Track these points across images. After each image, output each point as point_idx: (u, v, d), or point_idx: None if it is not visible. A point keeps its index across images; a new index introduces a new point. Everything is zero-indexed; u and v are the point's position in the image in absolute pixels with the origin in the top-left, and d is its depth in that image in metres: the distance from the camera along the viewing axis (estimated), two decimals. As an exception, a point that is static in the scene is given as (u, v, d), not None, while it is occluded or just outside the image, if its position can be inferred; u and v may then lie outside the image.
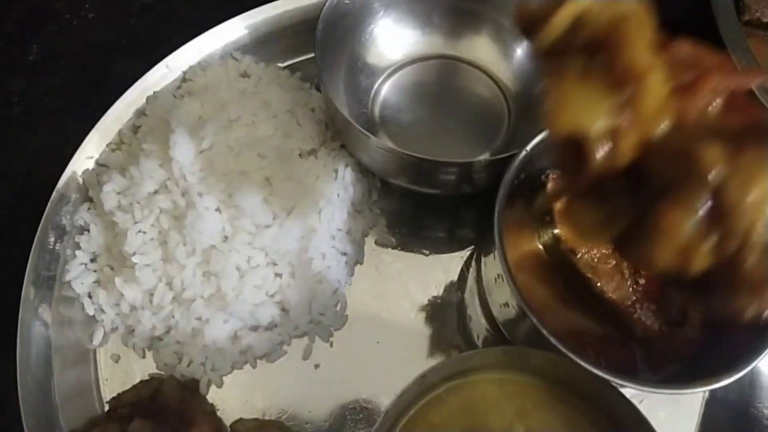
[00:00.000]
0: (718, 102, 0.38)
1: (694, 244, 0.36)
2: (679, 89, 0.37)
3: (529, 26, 0.39)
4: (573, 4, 0.37)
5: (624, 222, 0.39)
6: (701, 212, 0.35)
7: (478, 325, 0.74)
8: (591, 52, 0.37)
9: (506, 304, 0.71)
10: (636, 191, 0.38)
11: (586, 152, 0.36)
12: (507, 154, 0.67)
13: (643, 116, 0.36)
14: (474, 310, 0.74)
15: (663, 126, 0.37)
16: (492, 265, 0.72)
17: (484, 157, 0.79)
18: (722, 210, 0.35)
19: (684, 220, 0.36)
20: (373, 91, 0.86)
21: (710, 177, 0.35)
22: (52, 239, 0.73)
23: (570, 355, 0.58)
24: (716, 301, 0.40)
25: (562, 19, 0.38)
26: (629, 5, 0.38)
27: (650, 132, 0.37)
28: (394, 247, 0.78)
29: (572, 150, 0.37)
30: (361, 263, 0.76)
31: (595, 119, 0.36)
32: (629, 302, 0.68)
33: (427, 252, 0.77)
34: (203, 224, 0.67)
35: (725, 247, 0.36)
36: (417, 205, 0.80)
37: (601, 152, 0.36)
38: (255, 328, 0.70)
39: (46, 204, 0.74)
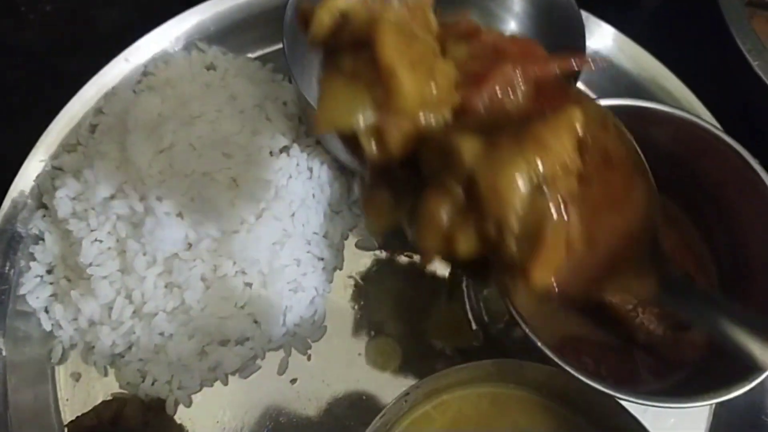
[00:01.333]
0: (517, 90, 0.38)
1: (455, 229, 0.37)
2: (469, 79, 0.38)
3: (304, 22, 0.40)
4: (334, 2, 0.38)
5: (407, 208, 0.40)
6: (457, 199, 0.37)
7: (469, 333, 0.68)
8: (357, 50, 0.37)
9: (498, 312, 0.66)
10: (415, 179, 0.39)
11: (361, 146, 0.38)
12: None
13: (397, 113, 0.37)
14: (464, 317, 0.69)
15: (431, 119, 0.37)
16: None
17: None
18: (476, 196, 0.36)
19: (441, 206, 0.37)
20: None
21: (465, 166, 0.36)
22: (4, 249, 0.67)
23: (567, 368, 0.53)
24: (491, 282, 0.42)
25: (323, 15, 0.39)
26: (387, 7, 0.39)
27: (415, 125, 0.37)
28: (376, 250, 0.72)
29: (353, 143, 0.38)
30: (340, 269, 0.71)
31: (353, 117, 0.37)
32: (630, 306, 0.62)
33: (412, 256, 0.72)
34: (163, 231, 0.61)
35: (485, 231, 0.37)
36: (400, 203, 0.75)
37: (370, 146, 0.38)
38: (224, 343, 0.64)
39: (-1, 211, 0.68)
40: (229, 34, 0.80)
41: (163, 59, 0.76)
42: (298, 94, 0.71)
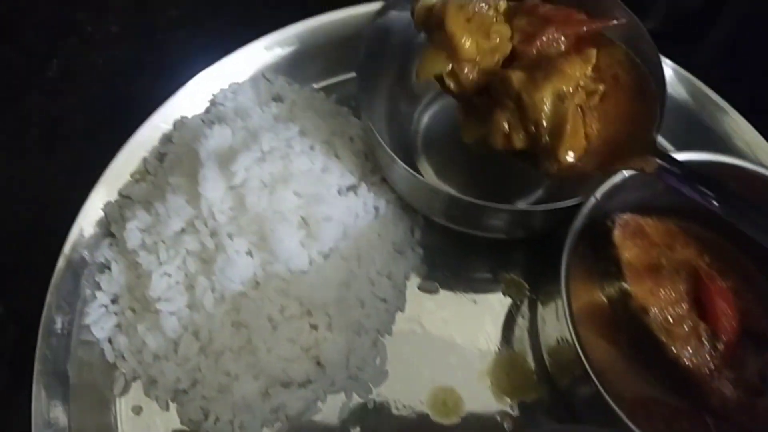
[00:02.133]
0: (560, 42, 0.61)
1: (512, 129, 0.59)
2: (524, 37, 0.61)
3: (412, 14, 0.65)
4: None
5: (486, 123, 0.62)
6: (511, 110, 0.59)
7: (533, 387, 0.67)
8: (440, 29, 0.61)
9: (566, 366, 0.65)
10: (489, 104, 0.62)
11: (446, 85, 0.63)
12: (570, 203, 0.59)
13: (461, 61, 0.60)
14: (528, 368, 0.67)
15: (488, 63, 0.61)
16: (552, 323, 0.65)
17: (537, 196, 0.72)
18: (522, 107, 0.58)
19: (502, 115, 0.59)
20: (415, 117, 0.79)
21: (514, 88, 0.58)
22: (70, 277, 0.67)
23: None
24: (537, 163, 0.60)
25: (419, 10, 0.63)
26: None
27: (481, 67, 0.61)
28: (437, 293, 0.71)
29: (444, 85, 0.63)
30: (402, 311, 0.69)
31: (437, 67, 0.61)
32: (706, 370, 0.60)
33: (475, 300, 0.70)
34: (233, 270, 0.61)
35: (528, 129, 0.58)
36: (463, 243, 0.73)
37: (450, 84, 0.62)
38: (287, 384, 0.63)
39: (64, 237, 0.68)
40: (294, 65, 0.80)
41: (231, 89, 0.76)
42: (366, 130, 0.70)
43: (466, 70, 0.60)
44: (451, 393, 0.66)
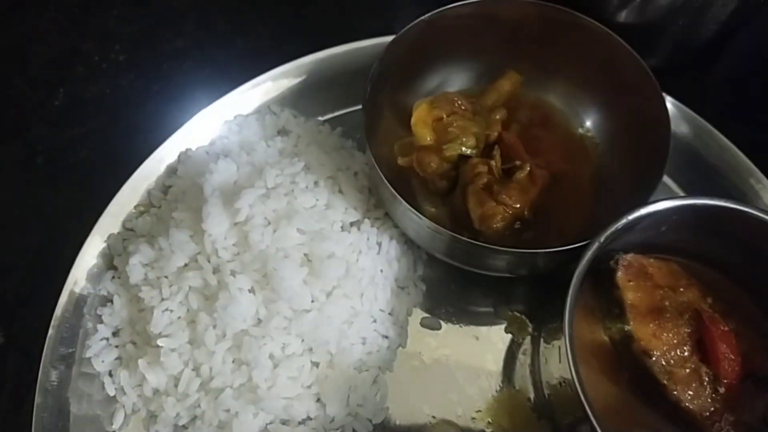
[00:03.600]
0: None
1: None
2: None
3: None
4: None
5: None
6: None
7: (533, 424, 0.66)
8: None
9: (567, 406, 0.64)
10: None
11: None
12: (575, 245, 0.60)
13: (420, 149, 0.72)
14: (529, 407, 0.67)
15: (451, 154, 0.71)
16: (554, 363, 0.64)
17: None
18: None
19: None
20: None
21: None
22: (73, 310, 0.68)
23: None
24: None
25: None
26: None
27: (438, 155, 0.72)
28: (439, 329, 0.71)
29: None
30: (404, 347, 0.69)
31: (406, 152, 0.74)
32: (707, 413, 0.60)
33: (477, 336, 0.70)
34: (236, 307, 0.61)
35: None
36: (465, 278, 0.73)
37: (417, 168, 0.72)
38: (287, 422, 0.63)
39: (67, 268, 0.69)
40: (299, 97, 0.81)
41: (236, 122, 0.76)
42: (371, 167, 0.71)
43: (427, 159, 0.70)
44: (451, 429, 0.66)
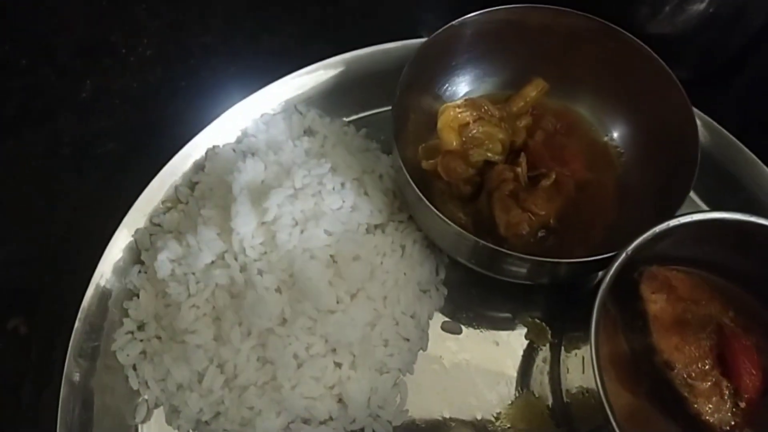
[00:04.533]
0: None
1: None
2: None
3: None
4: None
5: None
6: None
7: (550, 431, 0.67)
8: None
9: (586, 414, 0.65)
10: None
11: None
12: (602, 256, 0.60)
13: (445, 153, 0.73)
14: (549, 415, 0.68)
15: (477, 159, 0.72)
16: (576, 372, 0.65)
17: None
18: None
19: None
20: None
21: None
22: (98, 302, 0.68)
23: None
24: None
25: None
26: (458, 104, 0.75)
27: (464, 158, 0.73)
28: (460, 333, 0.71)
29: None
30: (425, 350, 0.70)
31: (431, 156, 0.74)
32: (727, 427, 0.61)
33: (498, 341, 0.71)
34: (262, 306, 0.61)
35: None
36: (486, 282, 0.73)
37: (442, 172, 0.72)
38: (308, 421, 0.64)
39: (94, 261, 0.69)
40: (325, 98, 0.81)
41: (263, 120, 0.77)
42: (397, 169, 0.71)
43: (452, 164, 0.71)
44: (469, 434, 0.67)
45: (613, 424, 0.53)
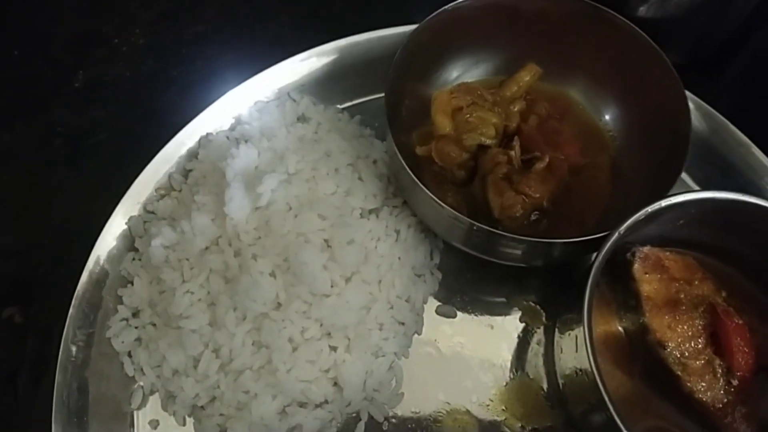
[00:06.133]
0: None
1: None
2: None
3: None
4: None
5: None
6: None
7: (547, 413, 0.67)
8: None
9: (581, 394, 0.65)
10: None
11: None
12: (594, 236, 0.60)
13: (439, 137, 0.73)
14: (543, 396, 0.68)
15: (471, 143, 0.72)
16: (570, 352, 0.65)
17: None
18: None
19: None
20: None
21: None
22: (93, 290, 0.68)
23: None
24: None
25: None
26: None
27: (457, 143, 0.72)
28: (455, 317, 0.72)
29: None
30: (420, 334, 0.70)
31: (425, 141, 0.75)
32: (720, 405, 0.61)
33: (492, 325, 0.71)
34: (257, 291, 0.61)
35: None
36: (480, 266, 0.73)
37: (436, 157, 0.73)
38: (304, 404, 0.64)
39: (88, 249, 0.69)
40: (318, 85, 0.81)
41: (257, 108, 0.77)
42: (391, 155, 0.71)
43: (446, 149, 0.71)
44: (465, 416, 0.67)
45: (606, 399, 0.54)
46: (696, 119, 0.80)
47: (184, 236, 0.65)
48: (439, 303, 0.72)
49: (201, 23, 0.90)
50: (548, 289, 0.74)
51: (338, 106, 0.81)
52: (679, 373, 0.61)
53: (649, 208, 0.61)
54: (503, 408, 0.67)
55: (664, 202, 0.62)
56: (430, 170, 0.74)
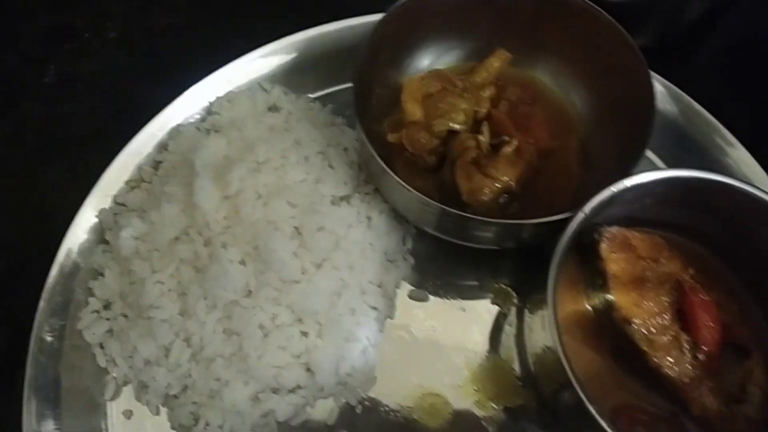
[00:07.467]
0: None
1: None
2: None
3: None
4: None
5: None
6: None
7: (519, 393, 0.68)
8: None
9: (551, 374, 0.66)
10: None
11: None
12: (560, 216, 0.61)
13: (409, 124, 0.73)
14: (514, 376, 0.69)
15: (440, 129, 0.72)
16: (538, 332, 0.66)
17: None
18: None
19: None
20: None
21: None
22: (64, 283, 0.68)
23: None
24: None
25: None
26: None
27: (427, 129, 0.73)
28: (427, 301, 0.72)
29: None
30: (392, 318, 0.71)
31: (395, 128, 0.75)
32: (687, 379, 0.62)
33: (464, 308, 0.72)
34: (226, 279, 0.62)
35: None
36: (453, 251, 0.74)
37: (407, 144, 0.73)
38: (277, 390, 0.64)
39: (58, 243, 0.69)
40: (290, 74, 0.81)
41: (227, 98, 0.77)
42: (361, 142, 0.71)
43: (416, 135, 0.71)
44: (438, 398, 0.67)
45: (570, 374, 0.54)
46: (666, 102, 0.81)
47: (154, 227, 0.65)
48: (412, 288, 0.73)
49: (172, 16, 0.90)
50: (520, 272, 0.75)
51: (310, 95, 0.82)
52: (645, 348, 0.62)
53: (614, 188, 0.62)
54: (475, 389, 0.68)
55: (628, 182, 0.62)
56: (402, 157, 0.74)
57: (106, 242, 0.70)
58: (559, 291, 0.67)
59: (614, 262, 0.65)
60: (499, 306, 0.72)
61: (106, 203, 0.72)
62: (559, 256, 0.59)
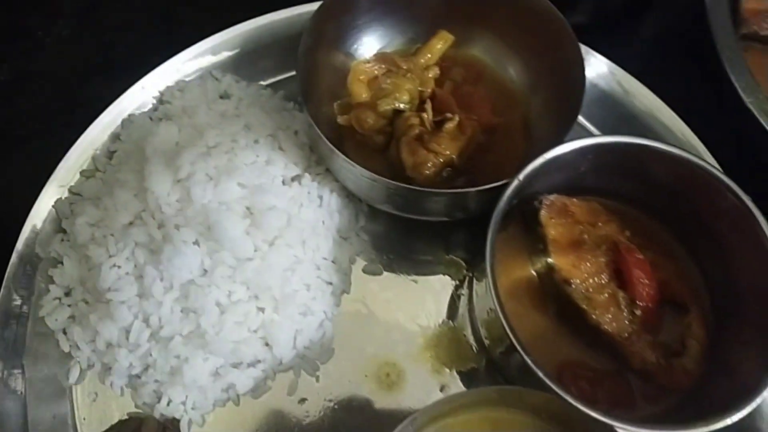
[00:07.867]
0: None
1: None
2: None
3: None
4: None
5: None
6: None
7: (471, 357, 0.71)
8: None
9: (499, 339, 0.69)
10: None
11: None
12: (498, 183, 0.64)
13: (356, 105, 0.77)
14: (466, 341, 0.72)
15: (386, 109, 0.75)
16: (484, 297, 0.69)
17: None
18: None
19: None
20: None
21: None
22: (23, 273, 0.70)
23: (564, 396, 0.56)
24: None
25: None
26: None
27: (372, 109, 0.76)
28: (381, 275, 0.75)
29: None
30: (348, 293, 0.73)
31: (345, 110, 0.79)
32: (626, 334, 0.65)
33: (417, 280, 0.75)
34: (181, 259, 0.64)
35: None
36: (406, 228, 0.77)
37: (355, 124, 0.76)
38: (237, 365, 0.67)
39: (17, 234, 0.71)
40: (241, 63, 0.83)
41: (178, 87, 0.78)
42: (309, 125, 0.74)
43: (363, 115, 0.74)
44: (393, 366, 0.70)
45: (508, 331, 0.57)
46: (601, 77, 0.84)
47: (108, 213, 0.67)
48: (366, 263, 0.75)
49: (123, 12, 0.91)
50: (471, 245, 0.78)
51: (262, 83, 0.84)
52: (585, 307, 0.66)
53: (547, 155, 0.65)
54: (430, 355, 0.71)
55: (560, 149, 0.66)
56: (353, 139, 0.77)
57: (64, 231, 0.72)
58: (504, 259, 0.71)
59: (553, 227, 0.69)
60: (450, 277, 0.75)
61: (63, 193, 0.73)
62: (496, 220, 0.62)
